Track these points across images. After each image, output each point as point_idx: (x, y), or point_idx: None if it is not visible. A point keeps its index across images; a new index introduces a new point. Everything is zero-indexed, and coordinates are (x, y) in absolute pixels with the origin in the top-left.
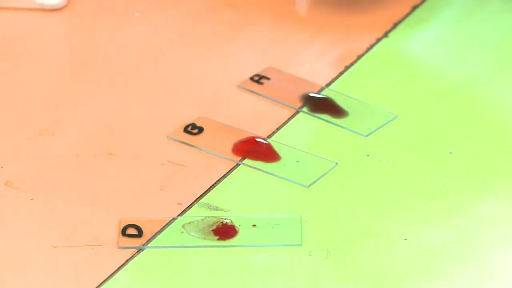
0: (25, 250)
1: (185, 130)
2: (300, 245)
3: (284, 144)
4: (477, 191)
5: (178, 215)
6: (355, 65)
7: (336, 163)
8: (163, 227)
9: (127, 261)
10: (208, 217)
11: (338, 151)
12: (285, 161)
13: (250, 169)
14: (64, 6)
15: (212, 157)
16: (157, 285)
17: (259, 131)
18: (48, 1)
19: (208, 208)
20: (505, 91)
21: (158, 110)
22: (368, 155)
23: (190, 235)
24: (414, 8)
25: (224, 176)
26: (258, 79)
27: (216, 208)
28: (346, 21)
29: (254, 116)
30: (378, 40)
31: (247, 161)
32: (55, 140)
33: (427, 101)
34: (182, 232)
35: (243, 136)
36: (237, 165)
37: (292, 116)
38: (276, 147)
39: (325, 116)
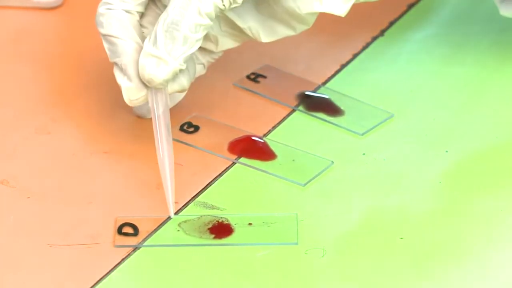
0: (21, 249)
1: (181, 128)
2: (296, 243)
3: (280, 143)
4: (472, 189)
5: (174, 214)
6: (351, 63)
7: (332, 161)
8: (159, 225)
9: (123, 259)
10: (204, 215)
11: (334, 150)
12: (281, 159)
13: (246, 167)
14: (61, 4)
15: (208, 155)
16: (153, 284)
17: (255, 130)
18: None
19: (204, 206)
20: (501, 90)
21: None
22: (364, 154)
23: (186, 233)
24: (410, 6)
25: (220, 175)
26: (254, 77)
27: (212, 207)
28: (342, 19)
29: (250, 115)
30: (374, 38)
31: (243, 159)
32: (51, 139)
33: (423, 100)
34: (178, 230)
35: (239, 135)
36: (233, 163)
37: (288, 115)
38: (272, 145)
39: (321, 115)
